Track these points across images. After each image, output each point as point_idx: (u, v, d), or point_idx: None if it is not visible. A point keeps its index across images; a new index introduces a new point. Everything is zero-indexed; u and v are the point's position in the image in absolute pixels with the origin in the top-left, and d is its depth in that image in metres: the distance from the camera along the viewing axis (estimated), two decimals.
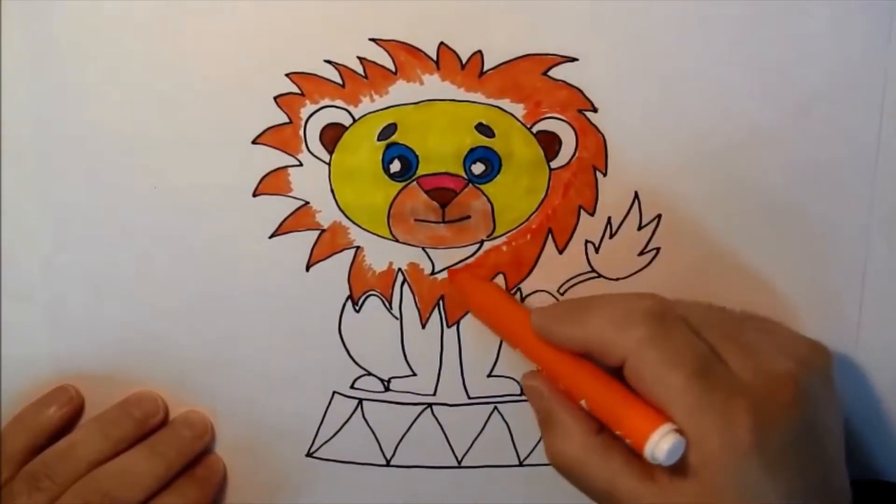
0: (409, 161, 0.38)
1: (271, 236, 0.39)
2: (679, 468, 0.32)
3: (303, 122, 0.38)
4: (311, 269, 0.40)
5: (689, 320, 0.34)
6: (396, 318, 0.40)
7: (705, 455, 0.31)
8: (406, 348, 0.41)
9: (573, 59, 0.37)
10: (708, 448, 0.31)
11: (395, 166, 0.38)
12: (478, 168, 0.38)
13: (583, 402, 0.34)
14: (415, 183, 0.38)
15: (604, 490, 0.33)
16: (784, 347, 0.35)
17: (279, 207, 0.39)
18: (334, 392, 0.41)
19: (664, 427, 0.31)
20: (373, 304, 0.40)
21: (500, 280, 0.40)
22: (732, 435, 0.31)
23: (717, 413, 0.31)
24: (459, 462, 0.42)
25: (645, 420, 0.32)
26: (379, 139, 0.38)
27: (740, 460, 0.31)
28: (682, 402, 0.32)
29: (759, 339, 0.35)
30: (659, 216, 0.39)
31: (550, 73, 0.38)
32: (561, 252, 0.39)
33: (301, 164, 0.38)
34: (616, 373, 0.34)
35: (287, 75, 0.38)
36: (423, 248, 0.39)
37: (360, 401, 0.41)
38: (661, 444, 0.31)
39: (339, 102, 0.38)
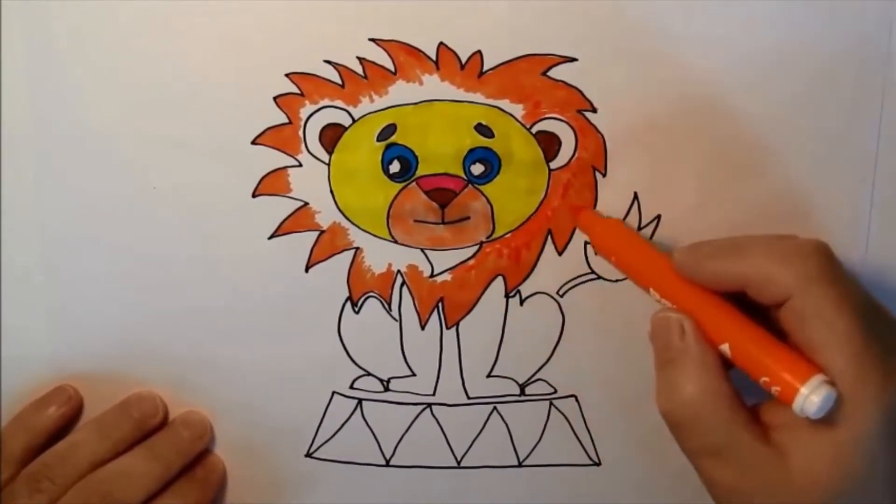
0: (409, 161, 0.38)
1: (271, 237, 0.39)
2: (807, 426, 0.30)
3: (302, 123, 0.38)
4: (311, 270, 0.40)
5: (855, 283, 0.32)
6: (396, 320, 0.40)
7: (853, 410, 0.29)
8: (405, 349, 0.41)
9: (573, 59, 0.37)
10: (858, 403, 0.29)
11: (395, 167, 0.38)
12: (477, 169, 0.38)
13: (725, 347, 0.32)
14: (414, 183, 0.38)
15: (715, 443, 0.31)
16: None
17: (278, 208, 0.39)
18: (334, 392, 0.41)
19: (816, 378, 0.29)
20: (372, 306, 0.40)
21: (499, 281, 0.40)
22: (886, 395, 0.29)
23: (875, 370, 0.29)
24: (459, 462, 0.42)
25: (797, 369, 0.29)
26: (378, 140, 0.38)
27: (885, 419, 0.29)
28: (845, 350, 0.29)
29: None
30: (659, 216, 0.39)
31: (550, 73, 0.37)
32: (560, 253, 0.39)
33: (300, 165, 0.38)
34: (764, 318, 0.32)
35: (287, 75, 0.37)
36: (423, 250, 0.39)
37: (360, 401, 0.41)
38: (812, 397, 0.29)
39: (338, 103, 0.38)
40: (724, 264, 0.32)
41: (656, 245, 0.37)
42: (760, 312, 0.32)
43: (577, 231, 0.39)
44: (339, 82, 0.38)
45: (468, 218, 0.39)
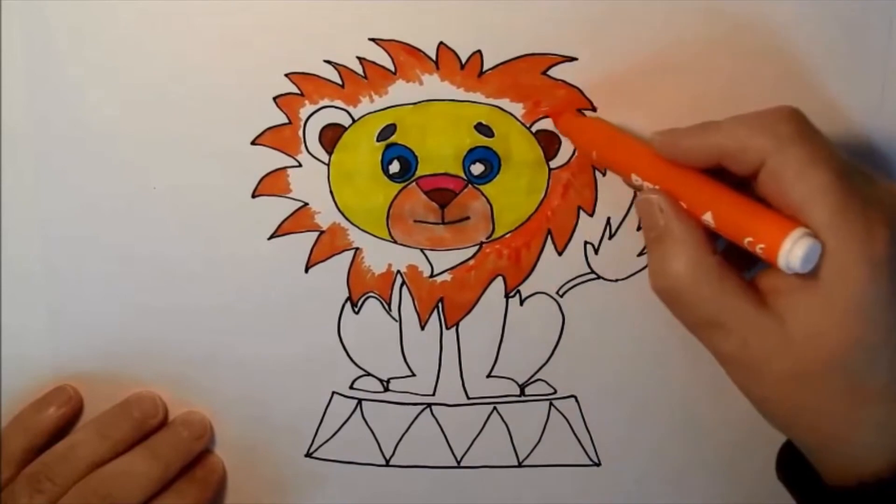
0: (409, 161, 0.38)
1: (270, 237, 0.39)
2: (800, 287, 0.30)
3: (302, 123, 0.38)
4: (311, 271, 0.40)
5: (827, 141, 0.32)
6: (395, 320, 0.40)
7: (840, 264, 0.29)
8: (405, 349, 0.41)
9: (573, 59, 0.37)
10: (844, 257, 0.29)
11: (395, 167, 0.38)
12: (477, 168, 0.38)
13: (708, 216, 0.32)
14: (414, 184, 0.38)
15: (711, 315, 0.31)
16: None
17: (278, 208, 0.39)
18: (333, 392, 0.41)
19: (798, 230, 0.29)
20: (372, 306, 0.40)
21: (499, 282, 0.40)
22: (870, 246, 0.29)
23: (857, 220, 0.29)
24: (458, 462, 0.42)
25: (779, 224, 0.29)
26: (378, 140, 0.38)
27: (875, 274, 0.29)
28: (826, 203, 0.29)
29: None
30: None
31: (550, 72, 0.37)
32: (560, 253, 0.39)
33: (300, 165, 0.38)
34: (744, 187, 0.32)
35: (286, 75, 0.37)
36: (422, 250, 0.39)
37: (360, 401, 0.41)
38: (795, 250, 0.29)
39: (338, 103, 0.38)
40: (701, 138, 0.32)
41: (637, 136, 0.37)
42: (741, 187, 0.32)
43: (577, 231, 0.39)
44: (339, 82, 0.38)
45: (468, 218, 0.39)
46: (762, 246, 0.30)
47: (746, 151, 0.31)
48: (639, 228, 0.39)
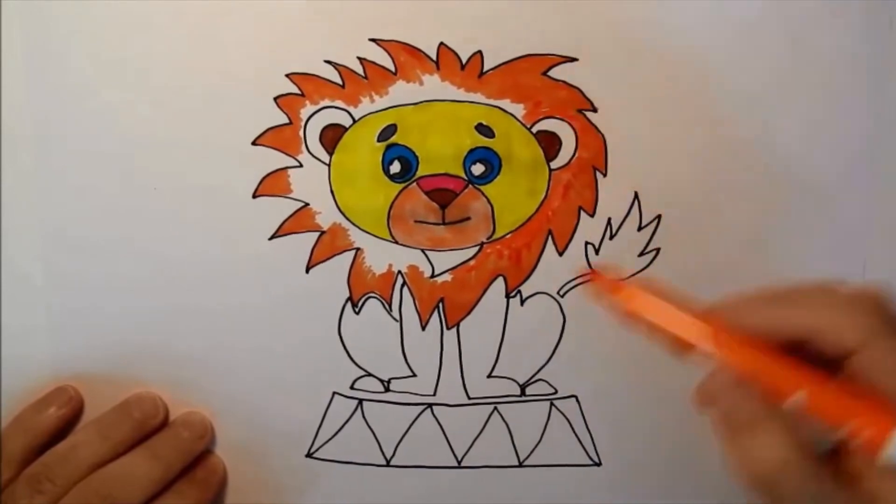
0: (409, 162, 0.38)
1: (271, 238, 0.39)
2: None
3: (303, 123, 0.38)
4: (311, 271, 0.40)
5: None
6: (396, 321, 0.40)
7: None
8: (406, 349, 0.41)
9: (573, 59, 0.37)
10: None
11: (395, 167, 0.38)
12: (477, 169, 0.38)
13: (797, 396, 0.29)
14: (415, 184, 0.38)
15: (816, 500, 0.29)
16: None
17: (279, 209, 0.39)
18: (334, 393, 0.41)
19: None
20: (372, 306, 0.40)
21: (499, 282, 0.40)
22: None
23: None
24: (459, 462, 0.42)
25: (885, 413, 0.28)
26: (379, 140, 0.38)
27: None
28: None
29: None
30: (659, 216, 0.39)
31: (550, 73, 0.37)
32: (561, 254, 0.39)
33: (301, 165, 0.38)
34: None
35: (287, 76, 0.37)
36: (423, 251, 0.39)
37: (360, 401, 0.41)
38: None
39: (338, 103, 0.38)
40: (782, 313, 0.30)
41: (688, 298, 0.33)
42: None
43: (578, 231, 0.39)
44: (340, 82, 0.38)
45: (468, 218, 0.39)
46: (863, 436, 0.28)
47: (835, 336, 0.29)
48: (640, 229, 0.39)
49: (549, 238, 0.39)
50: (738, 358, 0.30)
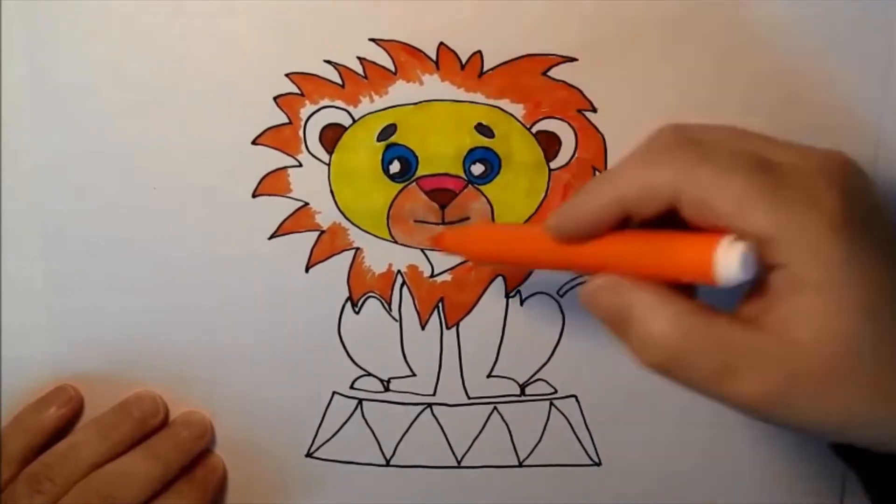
0: (409, 162, 0.38)
1: (271, 237, 0.39)
2: (782, 288, 0.27)
3: (302, 123, 0.38)
4: (311, 271, 0.40)
5: (717, 136, 0.30)
6: (396, 320, 0.40)
7: (799, 251, 0.27)
8: (405, 349, 0.41)
9: (573, 59, 0.37)
10: (805, 239, 0.27)
11: (395, 167, 0.38)
12: (477, 169, 0.38)
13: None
14: (414, 184, 0.38)
15: (718, 365, 0.28)
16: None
17: (279, 208, 0.39)
18: (334, 392, 0.41)
19: (724, 240, 0.27)
20: (372, 306, 0.40)
21: (499, 282, 0.40)
22: (821, 217, 0.27)
23: (798, 198, 0.27)
24: (459, 462, 0.42)
25: (703, 243, 0.27)
26: (378, 140, 0.38)
27: (842, 243, 0.27)
28: (757, 202, 0.27)
29: (790, 143, 0.30)
30: None
31: (550, 73, 0.37)
32: None
33: (301, 165, 0.38)
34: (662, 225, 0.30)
35: (287, 75, 0.37)
36: (423, 250, 0.39)
37: (360, 401, 0.41)
38: (730, 258, 0.26)
39: (338, 103, 0.38)
40: (594, 198, 0.30)
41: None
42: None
43: None
44: (339, 82, 0.38)
45: (468, 218, 0.39)
46: (697, 273, 0.27)
47: (650, 193, 0.29)
48: None
49: None
50: (578, 263, 0.31)
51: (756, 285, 0.29)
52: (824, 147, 0.30)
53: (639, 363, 0.29)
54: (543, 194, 0.39)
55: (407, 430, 0.42)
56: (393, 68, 0.37)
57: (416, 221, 0.39)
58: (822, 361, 0.28)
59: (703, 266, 0.27)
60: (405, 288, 0.40)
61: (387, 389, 0.41)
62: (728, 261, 0.26)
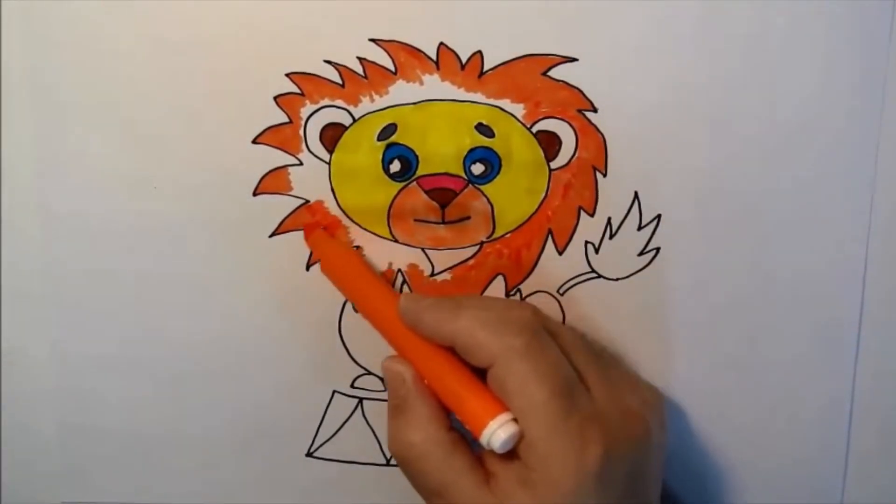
0: (409, 161, 0.38)
1: (271, 235, 0.39)
2: (518, 481, 0.32)
3: (303, 122, 0.38)
4: (311, 269, 0.40)
5: (559, 339, 0.35)
6: None
7: (551, 475, 0.32)
8: None
9: (573, 60, 0.37)
10: (556, 469, 0.32)
11: (395, 166, 0.38)
12: (477, 168, 0.38)
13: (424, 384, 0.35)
14: (415, 183, 0.38)
15: (436, 487, 0.34)
16: (634, 386, 0.36)
17: (279, 207, 0.39)
18: (334, 391, 0.41)
19: (503, 415, 0.32)
20: None
21: (499, 281, 0.40)
22: (581, 461, 0.32)
23: (572, 437, 0.32)
24: None
25: (487, 406, 0.33)
26: (379, 139, 0.38)
27: (582, 487, 0.32)
28: (542, 418, 0.32)
29: (617, 374, 0.36)
30: (659, 216, 0.39)
31: (550, 73, 0.38)
32: (561, 253, 0.39)
33: (301, 164, 0.38)
34: (479, 373, 0.34)
35: (287, 75, 0.38)
36: (423, 250, 0.39)
37: (361, 400, 0.41)
38: (499, 432, 0.32)
39: (338, 102, 0.38)
40: (439, 320, 0.34)
41: (385, 283, 0.39)
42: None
43: (578, 231, 0.39)
44: (340, 82, 0.38)
45: (468, 218, 0.39)
46: (469, 425, 0.33)
47: (476, 351, 0.34)
48: (639, 228, 0.39)
49: (549, 237, 0.39)
50: (401, 346, 0.36)
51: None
52: (639, 399, 0.36)
53: (388, 441, 0.36)
54: (544, 194, 0.39)
55: None
56: (393, 68, 0.37)
57: (416, 220, 0.39)
58: None
59: (477, 421, 0.33)
60: (405, 287, 0.40)
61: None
62: (495, 436, 0.32)
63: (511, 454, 0.33)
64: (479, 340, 0.33)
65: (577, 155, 0.38)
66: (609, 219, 0.39)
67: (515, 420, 0.32)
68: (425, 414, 0.34)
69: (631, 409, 0.35)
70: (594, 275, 0.39)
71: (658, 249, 0.39)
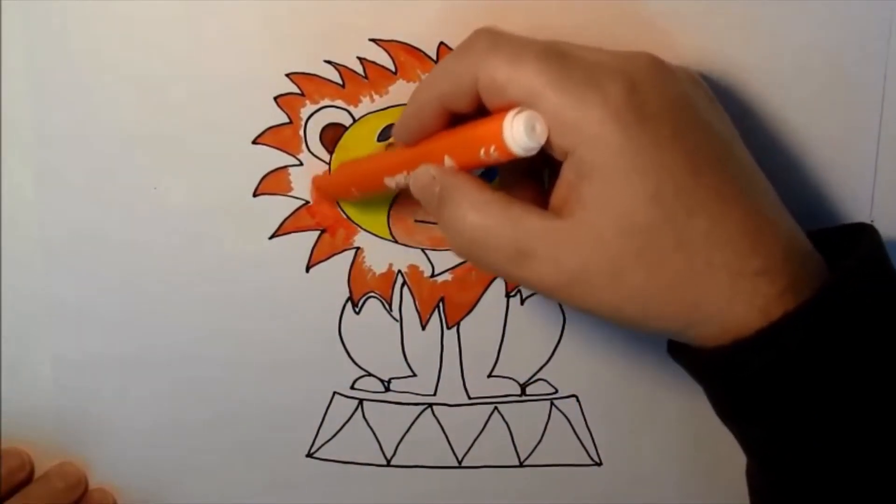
0: None
1: (271, 237, 0.39)
2: (571, 176, 0.29)
3: (303, 122, 0.38)
4: (311, 270, 0.39)
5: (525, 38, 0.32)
6: (396, 320, 0.40)
7: (584, 133, 0.29)
8: (406, 349, 0.41)
9: None
10: (588, 124, 0.28)
11: None
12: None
13: (447, 160, 0.32)
14: None
15: (514, 246, 0.30)
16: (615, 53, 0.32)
17: (279, 207, 0.39)
18: (334, 392, 0.41)
19: (510, 113, 0.29)
20: (373, 306, 0.40)
21: (500, 281, 0.40)
22: (607, 104, 0.28)
23: (583, 86, 0.29)
24: (460, 462, 0.42)
25: (493, 120, 0.29)
26: (379, 139, 0.38)
27: (621, 126, 0.28)
28: (545, 84, 0.29)
29: (601, 48, 0.32)
30: None
31: None
32: None
33: (301, 164, 0.38)
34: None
35: (287, 75, 0.37)
36: (423, 250, 0.39)
37: (361, 401, 0.41)
38: (515, 126, 0.29)
39: (339, 102, 0.38)
40: (419, 97, 0.33)
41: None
42: None
43: None
44: (340, 82, 0.38)
45: None
46: (494, 147, 0.29)
47: (461, 82, 0.31)
48: None
49: None
50: (409, 164, 0.33)
51: (557, 176, 0.30)
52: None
53: (452, 247, 0.32)
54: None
55: (407, 431, 0.42)
56: (393, 68, 0.37)
57: (416, 221, 0.39)
58: (610, 247, 0.29)
59: (495, 139, 0.29)
60: (406, 288, 0.40)
61: (387, 389, 0.41)
62: (515, 129, 0.29)
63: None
64: (455, 72, 0.31)
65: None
66: None
67: (524, 109, 0.29)
68: (465, 186, 0.31)
69: (632, 54, 0.31)
70: None
71: None
